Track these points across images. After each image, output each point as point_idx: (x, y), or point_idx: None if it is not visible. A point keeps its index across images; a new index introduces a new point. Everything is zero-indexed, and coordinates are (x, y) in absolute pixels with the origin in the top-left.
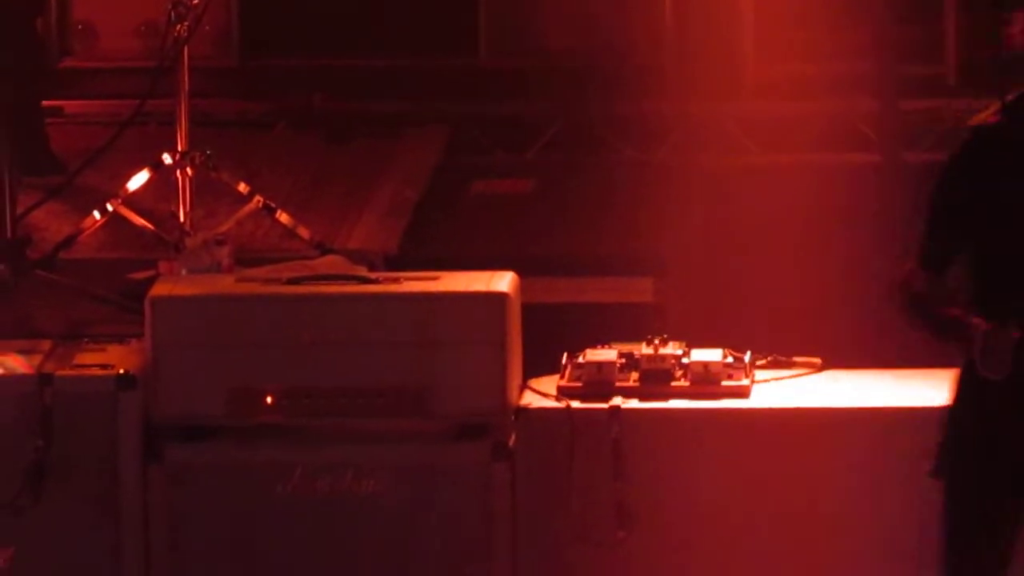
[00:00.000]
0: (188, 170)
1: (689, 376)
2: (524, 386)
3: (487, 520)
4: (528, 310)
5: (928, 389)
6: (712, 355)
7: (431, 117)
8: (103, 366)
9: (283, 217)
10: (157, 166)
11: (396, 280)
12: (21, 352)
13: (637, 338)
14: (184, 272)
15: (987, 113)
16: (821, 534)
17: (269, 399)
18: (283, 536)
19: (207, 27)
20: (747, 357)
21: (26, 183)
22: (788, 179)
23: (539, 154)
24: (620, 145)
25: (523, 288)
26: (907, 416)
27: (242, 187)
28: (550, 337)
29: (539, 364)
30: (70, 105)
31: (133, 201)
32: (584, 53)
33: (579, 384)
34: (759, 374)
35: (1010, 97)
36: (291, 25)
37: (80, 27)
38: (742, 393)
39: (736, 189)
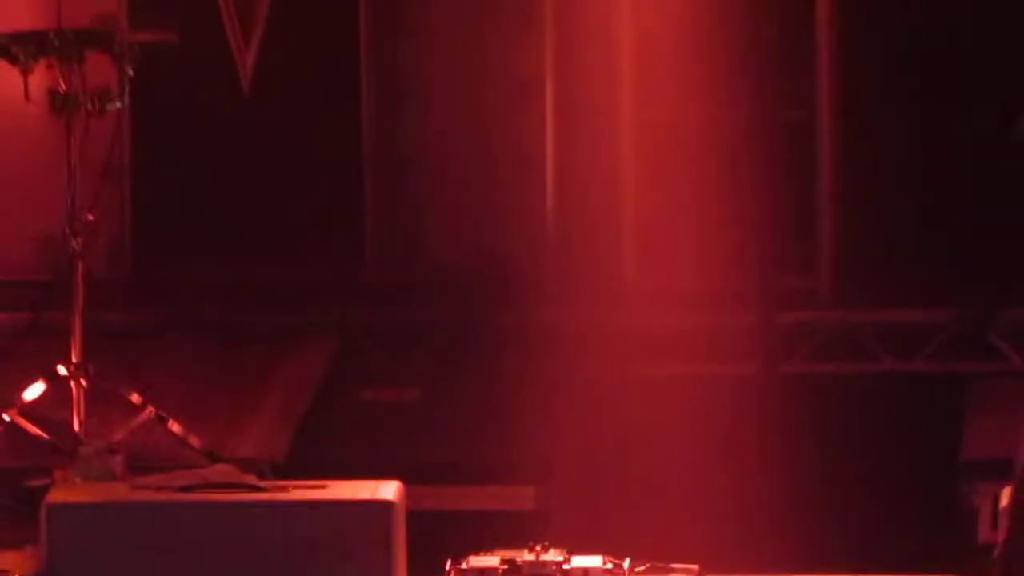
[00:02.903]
0: (82, 381)
1: None
2: None
3: None
4: (413, 517)
5: None
6: (592, 561)
7: (319, 327)
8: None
9: (175, 427)
10: (53, 377)
11: (284, 488)
12: None
13: (520, 545)
14: (78, 480)
15: None
16: None
17: None
18: None
19: (100, 240)
20: (626, 564)
21: None
22: (668, 389)
23: (425, 363)
24: (504, 355)
25: (408, 495)
26: None
27: (135, 397)
28: (435, 544)
29: (423, 571)
30: None
31: (29, 410)
32: (468, 264)
33: None
34: None
35: None
36: (181, 237)
37: None
38: None
39: (618, 399)
